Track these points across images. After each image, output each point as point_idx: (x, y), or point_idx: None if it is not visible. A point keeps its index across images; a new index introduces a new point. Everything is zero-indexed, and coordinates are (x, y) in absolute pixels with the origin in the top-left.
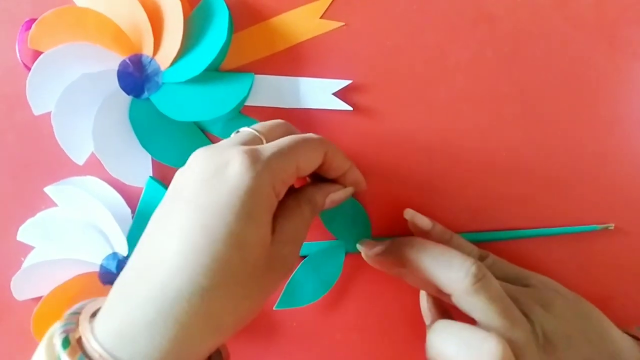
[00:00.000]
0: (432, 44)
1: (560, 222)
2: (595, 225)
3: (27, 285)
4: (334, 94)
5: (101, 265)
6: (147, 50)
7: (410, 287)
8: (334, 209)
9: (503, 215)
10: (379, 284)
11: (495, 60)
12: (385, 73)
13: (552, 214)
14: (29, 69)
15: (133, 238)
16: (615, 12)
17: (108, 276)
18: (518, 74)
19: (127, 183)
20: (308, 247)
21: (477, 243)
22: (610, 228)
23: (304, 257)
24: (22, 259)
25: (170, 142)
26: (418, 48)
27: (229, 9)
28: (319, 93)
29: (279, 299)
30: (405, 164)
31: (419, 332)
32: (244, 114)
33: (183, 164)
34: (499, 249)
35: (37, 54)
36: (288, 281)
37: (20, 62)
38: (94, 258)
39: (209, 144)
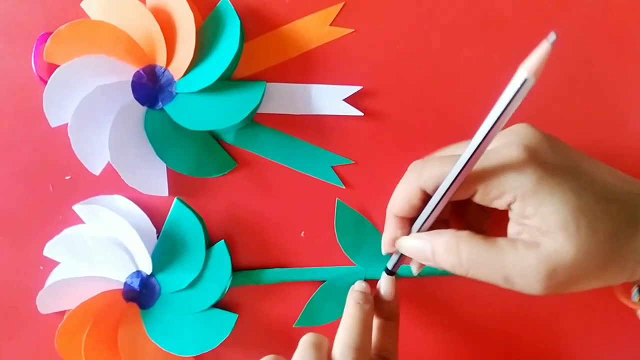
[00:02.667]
0: (440, 49)
1: None
2: None
3: (52, 300)
4: (344, 99)
5: (125, 283)
6: (161, 61)
7: (423, 309)
8: (354, 235)
9: None
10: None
11: (503, 64)
12: (395, 78)
13: None
14: (45, 82)
15: (157, 257)
16: (622, 13)
17: (131, 294)
18: None
19: (143, 192)
20: (327, 272)
21: None
22: None
23: (324, 281)
24: (41, 267)
25: (184, 151)
26: (427, 53)
27: (240, 18)
28: (330, 99)
29: (297, 320)
30: None
31: (438, 355)
32: (257, 121)
33: (197, 172)
34: None
35: (52, 67)
36: (307, 304)
37: (36, 75)
38: (119, 276)
39: (222, 152)
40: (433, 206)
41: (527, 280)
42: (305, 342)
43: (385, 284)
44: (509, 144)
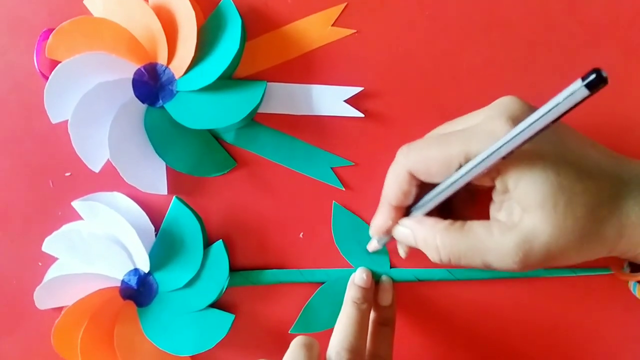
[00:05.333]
0: (443, 50)
1: None
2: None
3: (49, 296)
4: (345, 100)
5: (122, 281)
6: (162, 59)
7: (419, 315)
8: (352, 238)
9: None
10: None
11: (507, 66)
12: (396, 79)
13: None
14: (47, 78)
15: (155, 255)
16: (628, 16)
17: (129, 292)
18: (530, 79)
19: (142, 190)
20: (325, 274)
21: None
22: None
23: (321, 283)
24: (40, 264)
25: (184, 150)
26: (429, 54)
27: (241, 17)
28: (330, 100)
29: (295, 323)
30: None
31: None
32: (257, 121)
33: (196, 171)
34: None
35: (54, 63)
36: (304, 307)
37: (38, 71)
38: (116, 273)
39: (222, 151)
40: (436, 193)
41: (504, 261)
42: (297, 343)
43: (383, 290)
44: (492, 116)
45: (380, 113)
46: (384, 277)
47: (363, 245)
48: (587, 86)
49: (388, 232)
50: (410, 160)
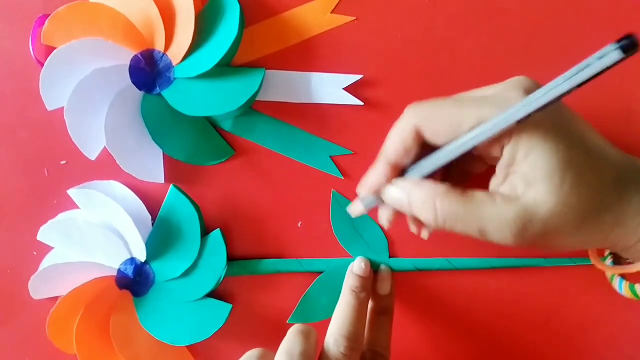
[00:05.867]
0: (443, 38)
1: None
2: None
3: (45, 285)
4: (345, 88)
5: (118, 270)
6: (159, 46)
7: (418, 305)
8: (351, 227)
9: None
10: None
11: (507, 54)
12: (396, 67)
13: None
14: (42, 65)
15: (152, 244)
16: (629, 4)
17: (125, 281)
18: (530, 67)
19: (139, 178)
20: (323, 264)
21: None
22: None
23: (320, 273)
24: (35, 253)
25: (181, 138)
26: (429, 42)
27: (240, 4)
28: (329, 88)
29: (293, 313)
30: None
31: (433, 350)
32: (255, 109)
33: (194, 159)
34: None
35: (50, 49)
36: (303, 296)
37: (34, 57)
38: (112, 262)
39: (220, 139)
40: (440, 157)
41: (502, 232)
42: (294, 331)
43: (382, 279)
44: (508, 88)
45: (379, 101)
46: (382, 267)
47: (362, 235)
48: (622, 49)
49: (378, 192)
50: (420, 115)
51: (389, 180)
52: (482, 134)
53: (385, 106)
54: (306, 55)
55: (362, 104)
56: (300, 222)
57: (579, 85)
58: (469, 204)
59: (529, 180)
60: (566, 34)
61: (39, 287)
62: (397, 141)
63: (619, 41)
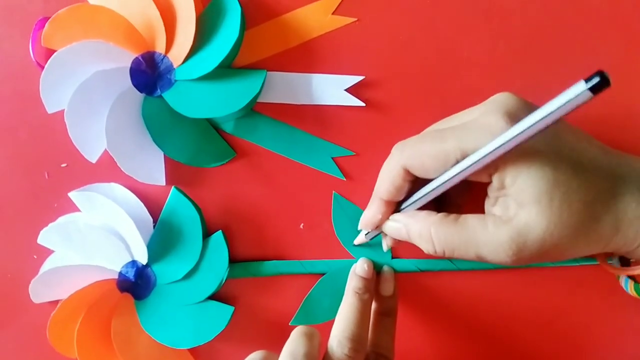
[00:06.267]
0: (444, 39)
1: None
2: None
3: (45, 289)
4: (346, 89)
5: (120, 273)
6: (160, 48)
7: (422, 306)
8: (353, 228)
9: None
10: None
11: (508, 54)
12: (397, 68)
13: None
14: (42, 68)
15: (153, 247)
16: (629, 4)
17: (126, 284)
18: (531, 68)
19: (140, 180)
20: (326, 265)
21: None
22: None
23: (322, 274)
24: (35, 256)
25: (182, 140)
26: (430, 43)
27: (241, 5)
28: (331, 89)
29: (295, 315)
30: None
31: (436, 351)
32: (257, 110)
33: (195, 161)
34: None
35: (50, 52)
36: (305, 298)
37: (34, 60)
38: (114, 265)
39: (221, 141)
40: (430, 189)
41: (498, 255)
42: (297, 332)
43: (384, 280)
44: (488, 111)
45: (381, 102)
46: (385, 268)
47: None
48: (591, 89)
49: (377, 226)
50: (405, 155)
51: (385, 215)
52: (466, 168)
53: (387, 107)
54: (307, 56)
55: (364, 104)
56: (302, 224)
57: (556, 122)
58: (463, 230)
59: (520, 202)
60: (566, 34)
61: (40, 291)
62: (387, 181)
63: (587, 80)
